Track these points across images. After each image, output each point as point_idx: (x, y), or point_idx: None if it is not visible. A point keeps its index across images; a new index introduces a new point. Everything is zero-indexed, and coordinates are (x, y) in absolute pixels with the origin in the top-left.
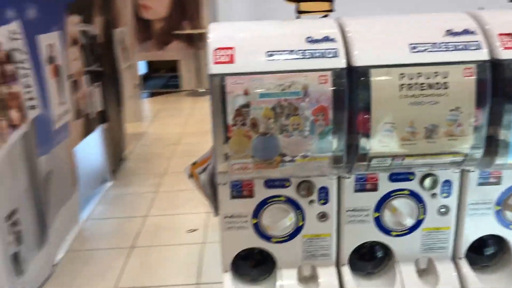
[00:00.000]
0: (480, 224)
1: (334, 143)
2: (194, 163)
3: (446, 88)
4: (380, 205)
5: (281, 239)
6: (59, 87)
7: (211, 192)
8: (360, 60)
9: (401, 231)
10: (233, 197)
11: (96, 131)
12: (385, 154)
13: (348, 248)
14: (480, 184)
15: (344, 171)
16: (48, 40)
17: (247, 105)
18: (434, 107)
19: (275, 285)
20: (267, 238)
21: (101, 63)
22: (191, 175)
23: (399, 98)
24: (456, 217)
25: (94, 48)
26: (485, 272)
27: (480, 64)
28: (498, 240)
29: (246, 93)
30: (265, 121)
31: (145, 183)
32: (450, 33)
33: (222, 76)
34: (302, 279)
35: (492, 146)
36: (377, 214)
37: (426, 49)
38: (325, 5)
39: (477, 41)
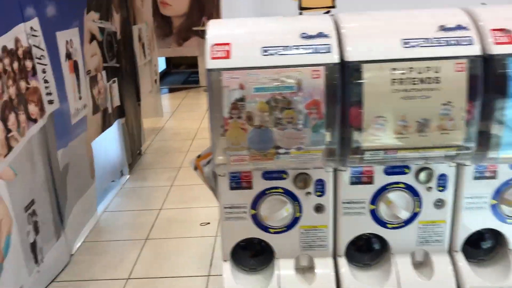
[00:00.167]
0: (476, 218)
1: (327, 136)
2: (198, 156)
3: (437, 82)
4: (376, 197)
5: (279, 230)
6: (77, 83)
7: (215, 184)
8: (352, 55)
9: (397, 224)
10: (232, 188)
11: (114, 125)
12: (377, 147)
13: (344, 240)
14: (476, 178)
15: (339, 164)
16: (66, 37)
17: (242, 99)
18: (426, 101)
19: (273, 275)
20: (265, 228)
21: (119, 59)
22: (196, 168)
23: (391, 93)
24: (452, 210)
25: (112, 44)
26: (481, 265)
27: (472, 59)
28: (494, 234)
29: (241, 87)
30: (260, 114)
31: (161, 177)
32: (443, 28)
33: (219, 71)
34: (299, 269)
35: (484, 140)
36: (373, 207)
37: (418, 44)
38: (327, 1)
39: (469, 37)
